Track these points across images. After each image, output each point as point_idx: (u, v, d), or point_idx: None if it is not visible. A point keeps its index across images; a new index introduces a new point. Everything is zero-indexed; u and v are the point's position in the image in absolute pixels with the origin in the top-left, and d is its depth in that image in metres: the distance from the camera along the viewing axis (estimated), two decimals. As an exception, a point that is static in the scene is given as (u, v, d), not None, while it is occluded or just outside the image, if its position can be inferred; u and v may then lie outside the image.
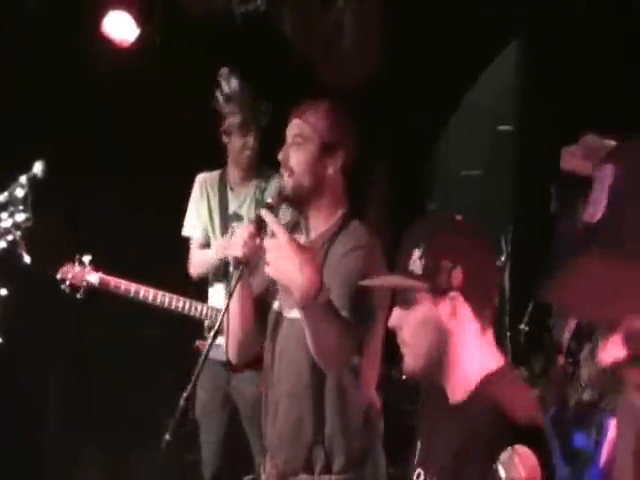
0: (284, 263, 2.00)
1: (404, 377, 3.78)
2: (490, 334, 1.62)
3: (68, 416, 4.13)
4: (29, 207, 2.90)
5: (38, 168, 2.95)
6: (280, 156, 2.30)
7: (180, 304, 3.40)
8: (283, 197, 2.27)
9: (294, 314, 2.20)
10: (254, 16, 4.25)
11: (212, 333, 2.13)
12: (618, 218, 1.02)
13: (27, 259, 2.96)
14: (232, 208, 3.61)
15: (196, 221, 3.66)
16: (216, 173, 3.69)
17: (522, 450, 1.32)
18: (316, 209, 2.29)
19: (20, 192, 2.92)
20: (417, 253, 1.59)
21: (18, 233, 2.94)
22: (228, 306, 2.17)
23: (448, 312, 1.57)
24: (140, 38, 4.00)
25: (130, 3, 4.00)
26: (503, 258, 3.93)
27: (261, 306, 2.31)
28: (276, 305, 2.33)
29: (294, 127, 2.29)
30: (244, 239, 2.17)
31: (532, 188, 4.28)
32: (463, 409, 1.57)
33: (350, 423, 2.21)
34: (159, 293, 3.40)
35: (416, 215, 4.31)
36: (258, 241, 2.17)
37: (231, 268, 2.19)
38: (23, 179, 2.94)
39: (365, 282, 1.80)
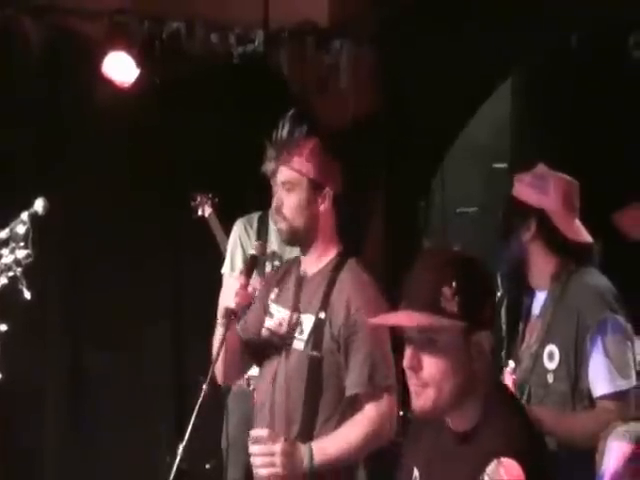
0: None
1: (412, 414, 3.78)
2: (490, 361, 1.63)
3: (63, 455, 4.12)
4: (30, 243, 2.94)
5: (39, 205, 2.99)
6: (273, 205, 2.39)
7: None
8: (284, 240, 2.41)
9: (296, 345, 2.33)
10: (252, 57, 4.33)
11: (204, 386, 2.21)
12: None
13: (27, 295, 2.99)
14: (272, 247, 3.60)
15: (229, 261, 3.62)
16: (255, 215, 3.70)
17: (507, 462, 1.35)
18: (312, 247, 2.37)
19: (21, 229, 2.96)
20: (449, 291, 1.54)
21: (19, 269, 2.97)
22: (219, 354, 2.28)
23: (476, 352, 1.54)
24: (140, 78, 4.07)
25: (130, 44, 4.07)
26: (500, 294, 3.95)
27: (252, 342, 2.43)
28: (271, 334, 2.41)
29: (281, 174, 2.38)
30: (236, 290, 2.28)
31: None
32: (469, 440, 1.56)
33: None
34: None
35: (412, 252, 4.36)
36: (251, 289, 2.31)
37: (221, 318, 2.30)
38: (24, 216, 2.98)
39: (389, 318, 1.72)
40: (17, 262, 2.98)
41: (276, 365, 2.36)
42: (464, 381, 1.55)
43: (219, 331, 2.33)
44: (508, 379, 2.42)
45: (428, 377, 1.55)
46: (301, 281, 2.39)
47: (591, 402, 2.32)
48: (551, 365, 2.35)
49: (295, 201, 2.33)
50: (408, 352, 1.57)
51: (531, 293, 2.53)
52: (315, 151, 2.35)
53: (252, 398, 2.69)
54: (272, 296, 2.43)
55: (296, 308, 2.37)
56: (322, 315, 2.31)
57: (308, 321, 2.34)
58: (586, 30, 4.19)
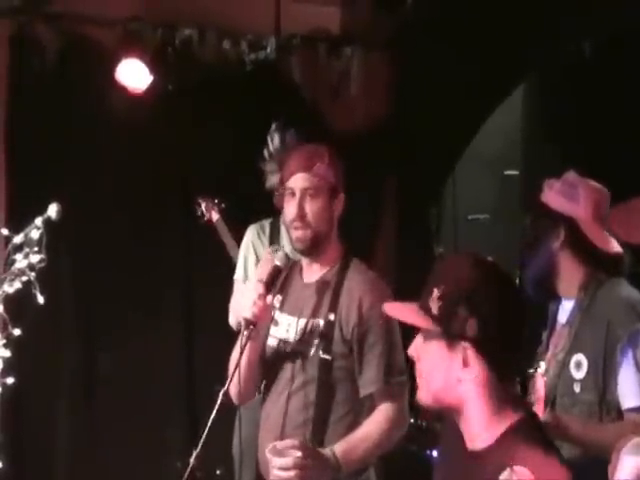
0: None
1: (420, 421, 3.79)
2: (511, 383, 1.59)
3: (75, 456, 4.13)
4: (43, 248, 2.96)
5: (53, 210, 3.02)
6: (292, 213, 2.35)
7: None
8: (299, 251, 2.40)
9: (306, 350, 2.34)
10: (264, 63, 4.35)
11: (222, 391, 2.20)
12: None
13: (41, 299, 3.01)
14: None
15: (242, 267, 3.58)
16: (267, 222, 3.68)
17: (519, 470, 1.33)
18: (323, 253, 2.38)
19: (35, 234, 2.98)
20: (436, 293, 1.53)
21: (32, 274, 2.99)
22: (238, 363, 2.25)
23: (460, 361, 1.51)
24: (153, 85, 4.09)
25: (143, 51, 4.09)
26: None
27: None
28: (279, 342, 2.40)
29: (302, 181, 2.35)
30: (253, 300, 2.26)
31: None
32: (483, 458, 1.51)
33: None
34: None
35: (423, 259, 4.36)
36: (269, 299, 2.28)
37: (242, 328, 2.27)
38: (38, 221, 3.00)
39: (386, 306, 1.69)
40: (31, 267, 3.00)
41: (287, 373, 2.34)
42: (449, 386, 1.53)
43: (238, 342, 2.30)
44: (540, 381, 2.37)
45: (422, 369, 1.57)
46: (305, 286, 2.39)
47: (619, 414, 2.28)
48: (578, 374, 2.32)
49: (320, 207, 2.33)
50: (414, 341, 1.60)
51: (557, 301, 2.49)
52: (334, 157, 2.38)
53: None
54: (276, 304, 2.40)
55: (303, 314, 2.36)
56: (332, 317, 2.31)
57: (317, 325, 2.33)
58: (599, 37, 4.19)
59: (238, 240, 3.70)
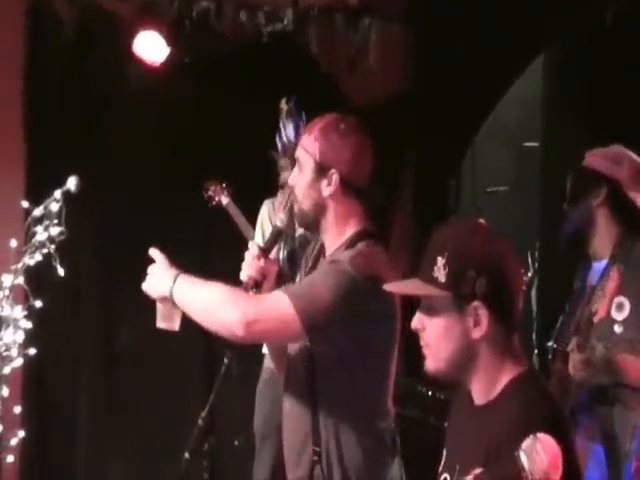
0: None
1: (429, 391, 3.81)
2: (516, 339, 1.63)
3: (97, 425, 4.18)
4: (63, 221, 2.98)
5: (72, 183, 3.03)
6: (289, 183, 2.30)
7: None
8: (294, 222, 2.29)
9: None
10: (281, 35, 4.32)
11: (228, 353, 2.18)
12: None
13: (61, 271, 3.03)
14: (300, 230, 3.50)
15: (261, 238, 3.57)
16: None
17: (544, 437, 1.33)
18: (324, 232, 2.24)
19: (55, 206, 3.01)
20: (441, 261, 1.59)
21: (52, 246, 3.02)
22: None
23: (471, 321, 1.58)
24: (170, 57, 4.08)
25: (160, 23, 4.08)
26: (530, 274, 3.93)
27: None
28: None
29: (297, 152, 2.26)
30: (248, 262, 2.20)
31: (559, 204, 4.29)
32: (489, 410, 1.59)
33: (348, 441, 2.13)
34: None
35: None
36: (262, 262, 2.18)
37: (245, 290, 2.18)
38: (57, 194, 3.03)
39: (386, 286, 1.75)
40: (51, 239, 3.03)
41: (289, 353, 2.24)
42: (461, 348, 1.59)
43: None
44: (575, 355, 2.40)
45: (428, 339, 1.63)
46: (316, 264, 2.27)
47: None
48: (619, 316, 2.39)
49: (303, 182, 2.20)
50: (416, 314, 1.65)
51: (586, 266, 2.57)
52: (326, 130, 2.20)
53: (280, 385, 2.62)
54: (298, 279, 2.33)
55: None
56: None
57: None
58: (620, 6, 4.12)
59: (251, 222, 3.69)
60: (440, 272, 1.58)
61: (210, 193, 4.00)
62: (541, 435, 1.33)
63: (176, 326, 2.21)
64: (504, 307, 1.60)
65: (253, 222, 3.88)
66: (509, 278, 1.61)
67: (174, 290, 2.11)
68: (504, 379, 1.59)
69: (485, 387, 1.61)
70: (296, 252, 3.37)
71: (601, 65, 4.37)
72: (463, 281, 1.57)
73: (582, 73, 4.55)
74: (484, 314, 1.57)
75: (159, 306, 2.18)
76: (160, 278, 2.14)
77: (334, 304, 2.03)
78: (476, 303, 1.57)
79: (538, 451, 1.31)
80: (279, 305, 2.04)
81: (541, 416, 1.49)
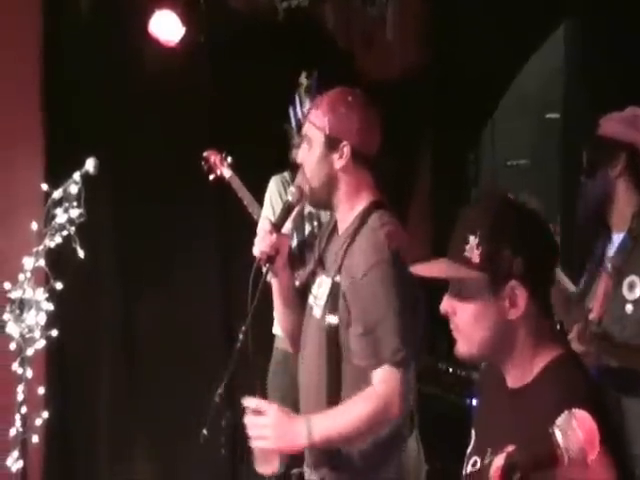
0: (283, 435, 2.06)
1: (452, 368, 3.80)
2: (552, 320, 1.58)
3: (117, 406, 4.23)
4: (82, 203, 2.99)
5: (90, 165, 3.04)
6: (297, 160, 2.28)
7: None
8: (303, 199, 2.26)
9: (315, 311, 2.21)
10: (296, 11, 4.29)
11: (243, 329, 2.16)
12: None
13: (81, 253, 3.05)
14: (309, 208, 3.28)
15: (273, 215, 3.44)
16: (287, 173, 3.55)
17: (580, 413, 1.26)
18: (336, 206, 2.22)
19: (74, 189, 3.02)
20: (473, 240, 1.50)
21: (72, 228, 3.04)
22: (255, 297, 2.17)
23: (507, 302, 1.50)
24: (185, 37, 4.06)
25: (175, 3, 4.06)
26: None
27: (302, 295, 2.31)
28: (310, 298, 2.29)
29: (305, 128, 2.24)
30: (260, 237, 2.20)
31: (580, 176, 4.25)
32: (525, 393, 1.53)
33: None
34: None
35: (461, 205, 4.30)
36: (275, 237, 2.18)
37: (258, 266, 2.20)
38: (76, 176, 3.04)
39: (413, 269, 1.63)
40: (70, 221, 3.05)
41: (308, 333, 2.24)
42: (496, 330, 1.52)
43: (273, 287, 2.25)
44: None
45: (460, 322, 1.55)
46: (336, 241, 2.24)
47: None
48: (631, 295, 2.32)
49: (313, 157, 2.17)
50: (445, 298, 1.57)
51: (605, 239, 2.49)
52: (333, 103, 2.18)
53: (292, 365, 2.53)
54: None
55: (329, 271, 2.21)
56: (337, 278, 2.14)
57: (326, 285, 2.18)
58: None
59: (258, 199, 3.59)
60: (473, 252, 1.50)
61: (210, 164, 3.70)
62: (577, 411, 1.26)
63: (277, 467, 2.23)
64: (541, 286, 1.53)
65: (259, 199, 3.64)
66: (546, 255, 1.54)
67: (314, 438, 2.06)
68: (541, 362, 1.53)
69: (521, 370, 1.54)
70: (309, 236, 3.32)
71: (622, 34, 4.29)
72: (499, 260, 1.49)
73: (604, 44, 4.48)
74: (522, 294, 1.50)
75: (258, 451, 2.17)
76: (287, 431, 2.06)
77: (404, 309, 2.06)
78: (513, 283, 1.49)
79: (574, 427, 1.25)
80: (392, 375, 2.06)
81: (582, 400, 1.39)
